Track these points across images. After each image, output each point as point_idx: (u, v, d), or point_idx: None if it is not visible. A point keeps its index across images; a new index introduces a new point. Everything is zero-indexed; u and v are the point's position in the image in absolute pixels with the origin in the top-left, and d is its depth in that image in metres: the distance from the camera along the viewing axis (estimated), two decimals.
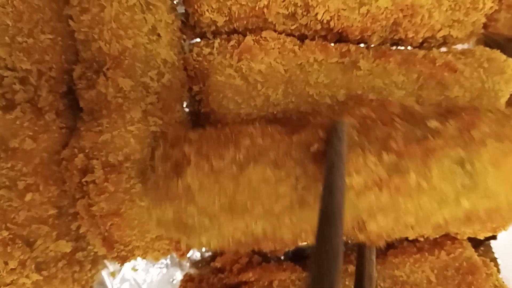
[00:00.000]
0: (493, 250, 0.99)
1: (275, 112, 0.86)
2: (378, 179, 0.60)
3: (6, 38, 0.75)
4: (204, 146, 0.62)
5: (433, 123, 0.61)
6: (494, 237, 0.98)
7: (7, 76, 0.77)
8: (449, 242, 0.94)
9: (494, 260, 0.98)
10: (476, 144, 0.61)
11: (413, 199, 0.60)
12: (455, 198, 0.61)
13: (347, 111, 0.65)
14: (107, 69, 0.75)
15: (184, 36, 0.87)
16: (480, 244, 1.00)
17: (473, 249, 0.95)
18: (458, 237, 0.94)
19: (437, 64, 0.85)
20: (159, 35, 0.79)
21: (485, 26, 0.92)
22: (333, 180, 0.54)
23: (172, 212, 0.60)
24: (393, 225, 0.62)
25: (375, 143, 0.61)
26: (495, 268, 0.95)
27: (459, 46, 0.95)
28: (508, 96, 0.89)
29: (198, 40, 0.90)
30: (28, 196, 0.77)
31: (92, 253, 0.88)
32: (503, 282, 0.95)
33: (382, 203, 0.60)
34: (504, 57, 0.88)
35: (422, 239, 0.94)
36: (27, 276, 0.79)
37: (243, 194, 0.59)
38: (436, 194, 0.60)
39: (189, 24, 0.88)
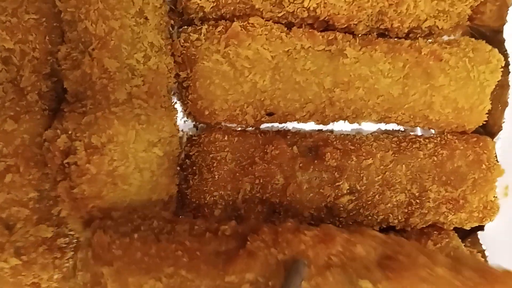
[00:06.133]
0: (481, 242, 0.99)
1: (262, 99, 0.86)
2: None
3: None
4: (124, 271, 0.64)
5: (365, 284, 0.63)
6: (481, 228, 0.98)
7: None
8: (435, 232, 0.93)
9: (481, 252, 0.97)
10: None
11: None
12: None
13: (291, 241, 0.65)
14: (93, 49, 0.74)
15: (172, 22, 0.87)
16: (468, 236, 0.99)
17: (459, 240, 0.94)
18: (445, 227, 0.94)
19: (422, 53, 0.86)
20: (146, 18, 0.79)
21: (470, 18, 0.93)
22: None
23: None
24: None
25: None
26: (482, 259, 0.94)
27: (445, 38, 0.96)
28: (494, 86, 0.90)
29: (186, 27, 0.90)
30: (8, 178, 0.75)
31: (75, 240, 0.86)
32: None
33: None
34: (489, 47, 0.89)
35: (409, 229, 0.93)
36: (5, 261, 0.77)
37: None
38: None
39: (177, 10, 0.88)
